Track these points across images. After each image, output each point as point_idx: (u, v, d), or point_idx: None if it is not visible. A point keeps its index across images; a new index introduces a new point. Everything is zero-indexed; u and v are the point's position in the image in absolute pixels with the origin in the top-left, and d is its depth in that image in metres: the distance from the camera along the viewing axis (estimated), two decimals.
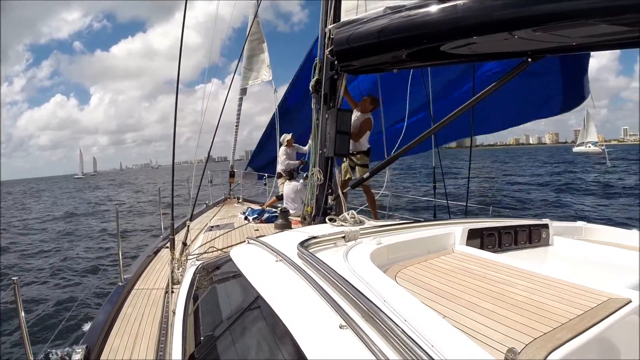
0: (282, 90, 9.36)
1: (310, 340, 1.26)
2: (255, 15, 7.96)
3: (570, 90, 6.38)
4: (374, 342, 1.13)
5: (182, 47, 4.21)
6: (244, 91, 10.24)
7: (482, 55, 3.46)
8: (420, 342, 1.07)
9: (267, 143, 9.70)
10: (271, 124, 9.19)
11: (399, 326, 1.14)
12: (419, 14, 3.35)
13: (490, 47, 3.27)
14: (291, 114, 8.49)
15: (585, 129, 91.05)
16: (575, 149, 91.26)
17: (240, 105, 10.45)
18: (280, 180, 8.25)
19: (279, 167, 8.27)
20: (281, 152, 8.22)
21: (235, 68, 5.09)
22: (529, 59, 3.09)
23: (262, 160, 10.26)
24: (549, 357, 1.14)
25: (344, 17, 4.07)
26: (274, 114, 8.92)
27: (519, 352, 1.16)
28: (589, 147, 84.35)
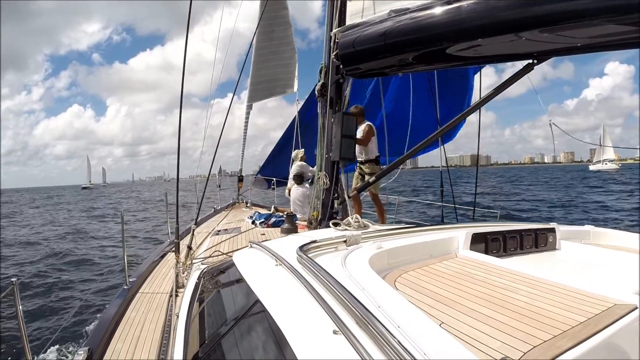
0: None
1: (304, 344, 1.25)
2: (257, 22, 8.01)
3: None
4: (365, 348, 1.12)
5: (186, 62, 4.20)
6: (250, 106, 10.39)
7: (487, 57, 3.42)
8: (412, 349, 1.05)
9: (280, 155, 9.73)
10: (287, 136, 9.19)
11: (391, 333, 1.12)
12: (424, 17, 3.34)
13: (496, 49, 3.24)
14: (310, 127, 8.44)
15: (602, 147, 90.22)
16: (592, 167, 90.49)
17: (247, 118, 10.58)
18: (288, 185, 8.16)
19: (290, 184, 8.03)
20: (293, 169, 7.96)
21: (237, 81, 5.05)
22: (535, 61, 3.06)
23: (270, 171, 10.25)
24: None
25: (349, 21, 4.08)
26: (290, 126, 8.98)
27: None
28: (606, 164, 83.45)
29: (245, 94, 10.45)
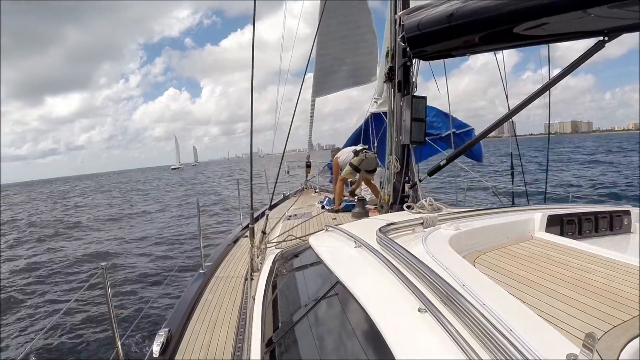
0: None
1: (390, 323, 1.28)
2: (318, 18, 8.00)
3: None
4: (452, 325, 1.13)
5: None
6: (314, 100, 10.24)
7: (556, 35, 3.30)
8: (499, 325, 1.05)
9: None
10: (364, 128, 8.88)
11: (478, 310, 1.13)
12: None
13: (564, 27, 3.12)
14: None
15: None
16: None
17: (312, 110, 10.54)
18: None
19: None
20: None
21: (309, 58, 5.15)
22: (605, 38, 2.95)
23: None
24: (628, 345, 1.12)
25: (412, 3, 4.08)
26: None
27: (599, 339, 1.15)
28: None
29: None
